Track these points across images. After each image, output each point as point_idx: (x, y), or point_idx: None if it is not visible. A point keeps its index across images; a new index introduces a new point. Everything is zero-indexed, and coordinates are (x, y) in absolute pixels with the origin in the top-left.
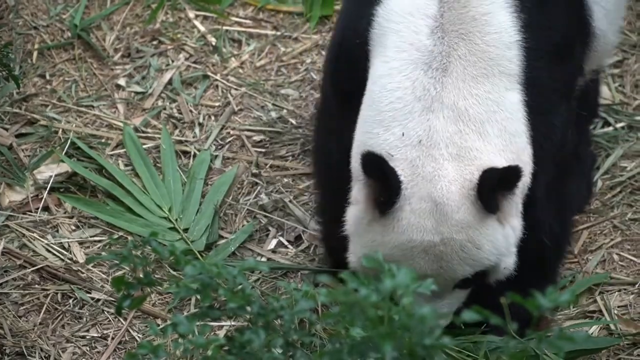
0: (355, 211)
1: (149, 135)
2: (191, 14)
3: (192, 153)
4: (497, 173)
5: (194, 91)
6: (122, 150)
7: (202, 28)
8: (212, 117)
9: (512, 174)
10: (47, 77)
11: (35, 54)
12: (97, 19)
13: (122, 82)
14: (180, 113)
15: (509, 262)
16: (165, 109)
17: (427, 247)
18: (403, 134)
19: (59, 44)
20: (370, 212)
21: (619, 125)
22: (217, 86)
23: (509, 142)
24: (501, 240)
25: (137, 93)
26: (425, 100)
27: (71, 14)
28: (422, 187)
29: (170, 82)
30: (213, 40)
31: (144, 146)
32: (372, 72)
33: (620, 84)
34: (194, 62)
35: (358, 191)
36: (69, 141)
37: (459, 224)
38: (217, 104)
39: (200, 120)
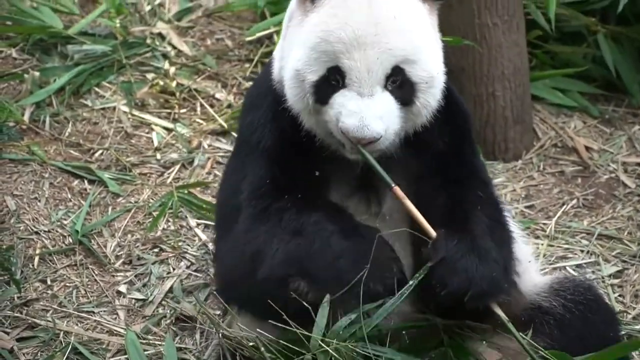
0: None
1: (150, 341)
2: (192, 222)
3: None
4: None
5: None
6: (123, 357)
7: (203, 236)
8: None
9: None
10: (48, 282)
11: (36, 258)
12: (98, 225)
13: (122, 288)
14: (182, 321)
15: (434, 68)
16: (165, 316)
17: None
18: None
19: (60, 250)
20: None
21: None
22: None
23: None
24: (431, 37)
25: (137, 300)
26: None
27: (72, 220)
28: None
29: (171, 290)
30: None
31: (145, 353)
32: None
33: (620, 294)
34: (195, 270)
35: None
36: (70, 346)
37: None
38: (218, 312)
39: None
